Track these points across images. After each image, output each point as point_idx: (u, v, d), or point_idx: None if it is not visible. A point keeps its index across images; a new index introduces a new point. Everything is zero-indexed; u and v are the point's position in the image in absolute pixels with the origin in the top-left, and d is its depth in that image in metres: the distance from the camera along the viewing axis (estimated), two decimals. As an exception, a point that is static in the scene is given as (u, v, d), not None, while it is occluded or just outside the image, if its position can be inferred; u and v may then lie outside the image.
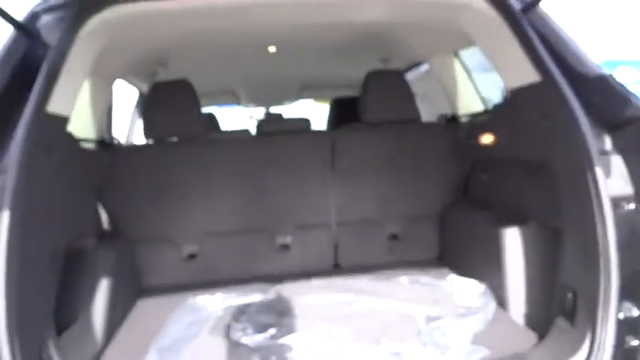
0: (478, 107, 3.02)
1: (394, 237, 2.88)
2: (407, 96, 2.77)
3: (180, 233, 2.69)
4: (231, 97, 4.86)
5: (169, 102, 2.60)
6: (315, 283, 2.43)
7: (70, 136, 1.96)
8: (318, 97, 5.58)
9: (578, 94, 1.63)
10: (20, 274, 1.39)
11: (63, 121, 1.75)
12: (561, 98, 1.60)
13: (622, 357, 1.52)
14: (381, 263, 2.80)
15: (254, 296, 2.33)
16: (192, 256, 2.73)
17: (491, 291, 2.17)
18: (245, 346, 1.82)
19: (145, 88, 3.67)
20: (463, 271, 2.46)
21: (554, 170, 1.74)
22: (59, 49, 1.62)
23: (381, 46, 3.24)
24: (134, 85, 3.73)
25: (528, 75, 1.73)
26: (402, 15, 2.13)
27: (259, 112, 5.35)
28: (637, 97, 1.57)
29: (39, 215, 1.55)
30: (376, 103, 2.73)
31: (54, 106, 1.60)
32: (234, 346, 1.83)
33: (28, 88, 1.58)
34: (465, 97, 3.01)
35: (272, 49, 3.25)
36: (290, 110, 5.65)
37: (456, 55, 3.06)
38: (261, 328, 1.91)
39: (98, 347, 1.93)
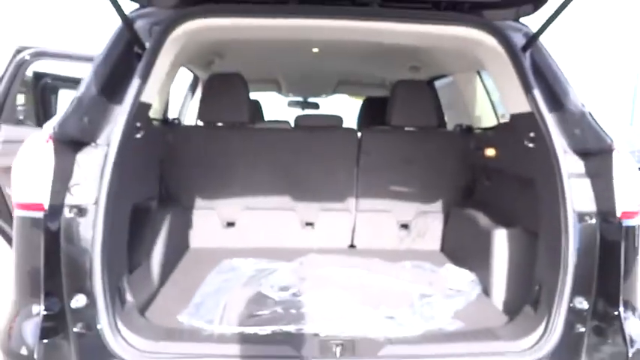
0: (492, 122, 3.37)
1: (404, 227, 3.30)
2: (429, 105, 3.15)
3: (222, 204, 3.18)
4: (274, 85, 5.31)
5: (223, 92, 3.05)
6: (333, 258, 2.87)
7: (149, 118, 2.43)
8: (352, 93, 5.96)
9: (563, 124, 1.99)
10: (112, 220, 1.87)
11: (148, 107, 2.21)
12: (545, 128, 1.97)
13: (571, 340, 1.90)
14: (391, 248, 3.23)
15: (280, 263, 2.79)
16: (230, 224, 3.22)
17: (479, 280, 2.58)
18: (271, 299, 2.28)
19: (202, 74, 4.13)
20: (459, 261, 2.86)
21: (536, 185, 2.12)
22: (152, 50, 2.06)
23: (412, 57, 3.61)
24: (192, 71, 4.20)
25: (523, 104, 2.10)
26: (428, 42, 2.50)
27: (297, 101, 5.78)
28: (606, 133, 1.92)
29: (126, 177, 2.01)
30: (401, 109, 3.11)
31: (145, 96, 2.05)
32: (262, 298, 2.30)
33: (124, 78, 2.04)
34: (481, 112, 3.36)
35: (315, 50, 3.66)
36: (328, 102, 6.07)
37: (479, 73, 3.40)
38: (285, 287, 2.37)
39: (155, 287, 2.43)
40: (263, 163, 3.17)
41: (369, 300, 2.25)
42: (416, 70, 3.88)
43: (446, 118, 4.20)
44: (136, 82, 1.99)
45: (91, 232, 1.81)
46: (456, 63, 3.32)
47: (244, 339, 1.93)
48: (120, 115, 1.92)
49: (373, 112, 4.17)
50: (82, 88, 1.97)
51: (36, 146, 1.81)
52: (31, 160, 1.80)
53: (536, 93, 2.02)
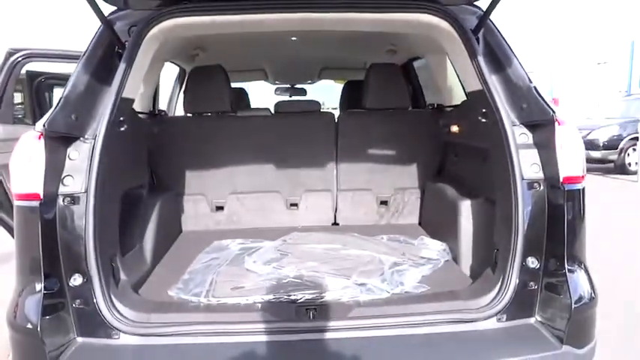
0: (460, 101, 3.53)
1: (384, 203, 3.50)
2: (401, 87, 3.32)
3: (210, 190, 3.38)
4: (261, 74, 5.48)
5: (205, 84, 3.23)
6: (314, 235, 3.07)
7: (133, 111, 2.61)
8: (336, 78, 6.12)
9: (512, 99, 2.17)
10: (101, 207, 2.06)
11: (131, 101, 2.39)
12: (494, 104, 2.14)
13: (525, 296, 2.08)
14: (372, 224, 3.43)
15: (265, 242, 2.99)
16: (219, 208, 3.42)
17: (450, 249, 2.77)
18: (255, 273, 2.49)
19: (187, 66, 4.30)
20: (434, 233, 3.05)
21: (490, 157, 2.30)
22: (131, 49, 2.24)
23: (386, 41, 3.76)
24: (178, 65, 4.37)
25: (475, 83, 2.27)
26: (393, 28, 2.65)
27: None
28: (550, 106, 2.09)
29: (114, 167, 2.21)
30: (375, 92, 3.29)
31: (126, 92, 2.23)
32: (246, 273, 2.50)
33: (107, 76, 2.22)
34: (451, 91, 3.52)
35: (293, 38, 3.82)
36: (315, 87, 6.25)
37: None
38: (267, 262, 2.57)
39: (148, 267, 2.64)
40: (247, 149, 3.35)
41: (343, 271, 2.45)
42: (393, 53, 4.03)
43: (426, 98, 4.36)
44: (117, 80, 2.17)
45: (83, 218, 2.00)
46: (425, 46, 3.47)
47: (228, 308, 2.14)
48: (104, 111, 2.11)
49: (352, 96, 4.34)
50: (68, 86, 2.15)
51: (29, 143, 1.99)
52: (25, 155, 1.99)
53: (485, 71, 2.18)
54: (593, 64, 23.72)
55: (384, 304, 2.15)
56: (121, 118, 2.27)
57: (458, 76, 2.63)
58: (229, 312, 2.11)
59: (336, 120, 3.38)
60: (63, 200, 2.00)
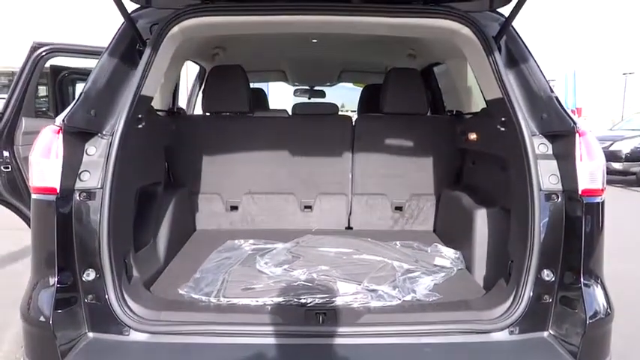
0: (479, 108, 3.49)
1: (398, 209, 3.47)
2: (420, 93, 3.28)
3: (226, 189, 3.39)
4: (280, 75, 5.49)
5: (224, 83, 3.24)
6: (327, 238, 3.05)
7: (152, 109, 2.64)
8: (355, 81, 6.11)
9: (532, 109, 2.13)
10: (117, 203, 2.08)
11: (150, 99, 2.41)
12: (514, 113, 2.11)
13: (538, 309, 2.04)
14: (385, 229, 3.41)
15: (277, 244, 2.99)
16: (234, 208, 3.43)
17: (463, 257, 2.74)
18: (266, 274, 2.48)
19: (207, 65, 4.33)
20: (448, 241, 3.02)
21: (508, 166, 2.26)
22: (152, 47, 2.25)
23: (407, 45, 3.74)
24: (198, 63, 4.40)
25: (495, 91, 2.23)
26: (413, 33, 2.62)
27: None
28: (571, 117, 2.05)
29: (130, 164, 2.23)
30: (393, 97, 3.26)
31: (146, 90, 2.25)
32: (257, 274, 2.50)
33: (127, 73, 2.24)
34: (471, 98, 3.48)
35: (314, 40, 3.81)
36: (334, 90, 6.24)
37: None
38: (279, 264, 2.57)
39: (161, 264, 2.66)
40: (264, 150, 3.36)
41: (354, 276, 2.43)
42: (412, 57, 4.00)
43: (445, 104, 4.32)
44: (136, 77, 2.19)
45: (98, 213, 2.02)
46: (446, 51, 3.44)
47: (237, 309, 2.14)
48: (122, 108, 2.13)
49: (371, 99, 4.31)
50: (89, 82, 2.18)
51: (48, 137, 2.02)
52: (43, 149, 2.02)
53: (506, 80, 2.15)
54: (618, 74, 23.32)
55: (394, 312, 2.13)
56: (139, 116, 2.29)
57: (478, 83, 2.60)
58: (239, 313, 2.11)
59: (354, 123, 3.36)
60: (79, 195, 2.02)
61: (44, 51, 3.78)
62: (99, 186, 2.04)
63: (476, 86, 3.62)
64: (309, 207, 3.45)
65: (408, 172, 3.41)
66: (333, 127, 3.38)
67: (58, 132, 2.01)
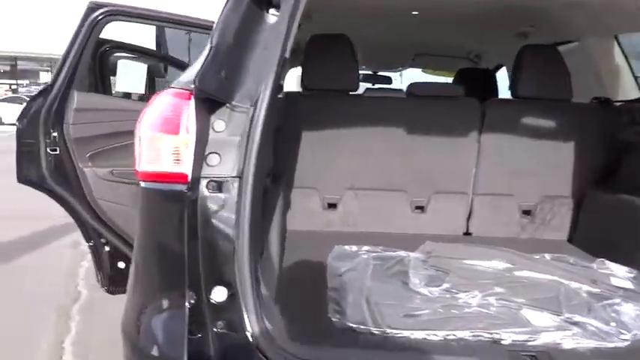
0: (633, 94, 2.93)
1: (526, 213, 2.91)
2: (562, 74, 2.73)
3: (323, 183, 2.82)
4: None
5: (329, 55, 2.68)
6: (461, 248, 2.50)
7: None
8: (430, 67, 5.52)
9: None
10: (254, 197, 1.53)
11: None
12: None
13: None
14: (511, 237, 2.85)
15: (399, 252, 2.43)
16: (332, 206, 2.86)
17: (642, 276, 2.19)
18: (423, 295, 1.92)
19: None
20: (596, 254, 2.46)
21: None
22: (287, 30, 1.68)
23: (523, 19, 3.18)
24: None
25: None
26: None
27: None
28: None
29: (265, 147, 1.67)
30: (530, 78, 2.71)
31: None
32: (410, 294, 1.94)
33: (257, 25, 1.66)
34: (621, 83, 2.93)
35: (415, 13, 3.26)
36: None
37: (616, 38, 2.96)
38: (432, 282, 2.01)
39: (276, 277, 2.09)
40: (371, 137, 2.79)
41: (540, 302, 1.87)
42: (523, 36, 3.44)
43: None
44: (279, 34, 1.63)
45: (233, 210, 1.47)
46: (587, 24, 2.88)
47: (416, 345, 1.58)
48: (267, 72, 1.56)
49: (471, 84, 3.74)
50: (216, 33, 1.61)
51: (173, 104, 1.46)
52: (168, 120, 1.45)
53: None
54: None
55: (623, 357, 1.58)
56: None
57: (629, 66, 2.02)
58: (420, 351, 1.55)
59: (482, 108, 2.79)
60: (207, 185, 1.47)
61: (102, 14, 3.19)
62: (234, 174, 1.49)
63: (626, 68, 3.08)
64: (421, 207, 2.89)
65: (541, 169, 2.84)
66: (458, 113, 2.80)
67: (189, 97, 1.44)
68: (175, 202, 1.44)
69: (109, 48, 4.03)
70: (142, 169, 1.51)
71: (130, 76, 4.56)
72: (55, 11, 24.33)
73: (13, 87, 28.70)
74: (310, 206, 2.84)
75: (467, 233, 2.91)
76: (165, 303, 1.49)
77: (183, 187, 1.42)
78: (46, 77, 29.11)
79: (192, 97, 1.44)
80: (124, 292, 3.27)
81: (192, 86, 1.43)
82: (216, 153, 1.50)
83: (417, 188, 2.85)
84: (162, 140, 1.45)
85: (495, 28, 3.49)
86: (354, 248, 2.48)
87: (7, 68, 29.21)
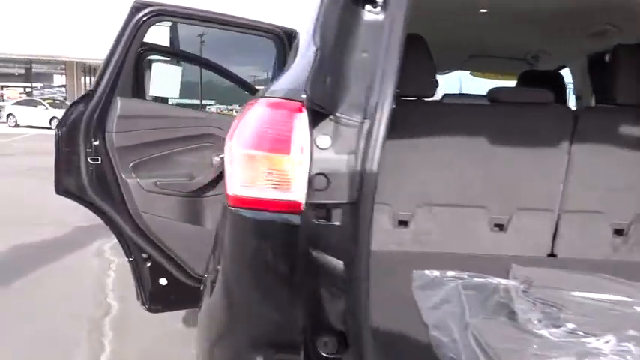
0: None
1: (618, 232, 2.62)
2: None
3: (395, 198, 2.55)
4: None
5: (404, 58, 2.41)
6: (557, 273, 2.22)
7: None
8: (483, 69, 5.22)
9: None
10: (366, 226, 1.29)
11: None
12: None
13: None
14: (601, 259, 2.56)
15: (489, 279, 2.17)
16: (402, 223, 2.59)
17: None
18: (546, 338, 1.64)
19: None
20: None
21: None
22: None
23: (605, 17, 2.89)
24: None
25: None
26: None
27: None
28: None
29: None
30: (629, 82, 2.42)
31: None
32: (530, 336, 1.66)
33: (350, 35, 1.42)
34: None
35: (483, 10, 2.99)
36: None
37: None
38: (551, 321, 1.73)
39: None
40: (449, 147, 2.52)
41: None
42: (599, 37, 3.15)
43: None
44: (397, 31, 1.38)
45: (345, 246, 1.22)
46: None
47: None
48: (384, 81, 1.31)
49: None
50: (316, 36, 1.36)
51: (281, 117, 1.20)
52: (276, 137, 1.20)
53: None
54: None
55: None
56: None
57: None
58: None
59: (575, 117, 2.51)
60: (316, 214, 1.22)
61: (148, 14, 2.95)
62: (345, 200, 1.24)
63: None
64: (501, 225, 2.61)
65: (636, 184, 2.56)
66: (546, 121, 2.52)
67: (299, 109, 1.19)
68: (285, 235, 1.19)
69: (144, 51, 3.81)
70: (237, 194, 1.25)
71: (164, 79, 4.33)
72: (69, 15, 24.59)
73: (28, 90, 28.79)
74: (381, 224, 2.57)
75: (551, 254, 2.62)
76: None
77: (296, 219, 1.17)
78: (59, 80, 29.28)
79: (304, 109, 1.19)
80: (165, 310, 3.05)
81: (304, 96, 1.18)
82: (323, 175, 1.25)
83: (498, 204, 2.58)
84: (269, 161, 1.20)
85: (567, 27, 3.20)
86: (436, 273, 2.22)
87: (22, 71, 29.31)
